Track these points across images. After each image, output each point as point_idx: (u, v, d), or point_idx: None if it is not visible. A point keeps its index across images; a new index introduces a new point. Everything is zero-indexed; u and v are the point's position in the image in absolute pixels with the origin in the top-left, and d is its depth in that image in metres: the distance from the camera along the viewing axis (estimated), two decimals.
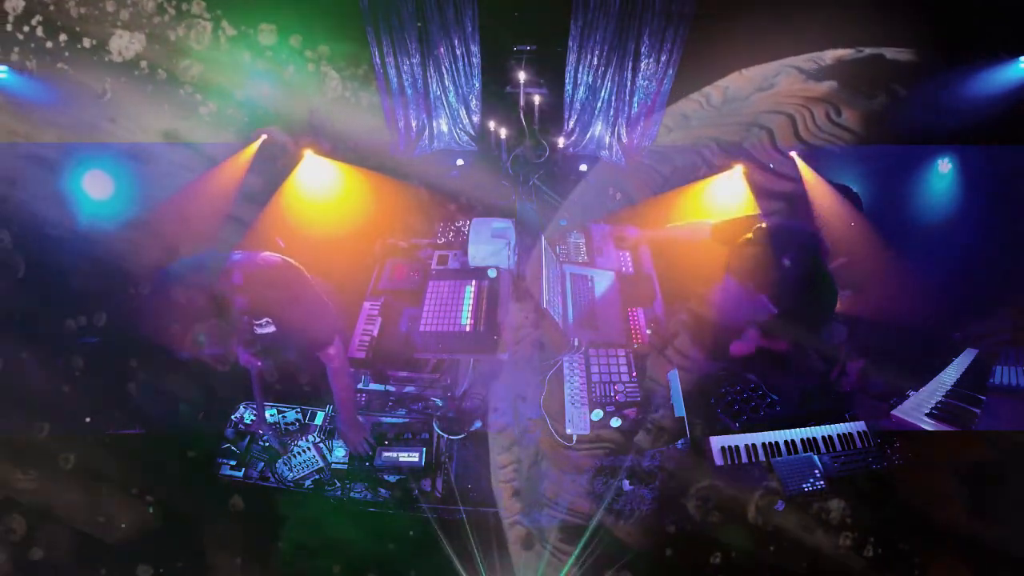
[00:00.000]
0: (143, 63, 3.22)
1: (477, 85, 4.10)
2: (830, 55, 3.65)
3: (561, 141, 4.31)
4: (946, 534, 2.42)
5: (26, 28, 3.01)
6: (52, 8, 3.00)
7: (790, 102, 3.86)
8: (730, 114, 3.97)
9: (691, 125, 4.07)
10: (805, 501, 2.49)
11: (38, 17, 3.00)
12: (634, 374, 2.69)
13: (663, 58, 3.82)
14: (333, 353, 2.53)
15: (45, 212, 3.45)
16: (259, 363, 2.53)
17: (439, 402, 2.75)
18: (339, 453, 2.60)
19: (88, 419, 2.84)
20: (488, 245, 3.03)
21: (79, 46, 3.09)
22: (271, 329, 2.39)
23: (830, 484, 2.54)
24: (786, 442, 2.68)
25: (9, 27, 2.98)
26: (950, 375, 3.01)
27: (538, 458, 2.59)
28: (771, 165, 4.02)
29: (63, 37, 3.07)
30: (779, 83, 3.78)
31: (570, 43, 3.82)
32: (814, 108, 3.83)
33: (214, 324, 2.28)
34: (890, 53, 3.54)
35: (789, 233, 2.77)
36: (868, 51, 3.58)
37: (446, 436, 2.60)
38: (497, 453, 2.61)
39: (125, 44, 3.07)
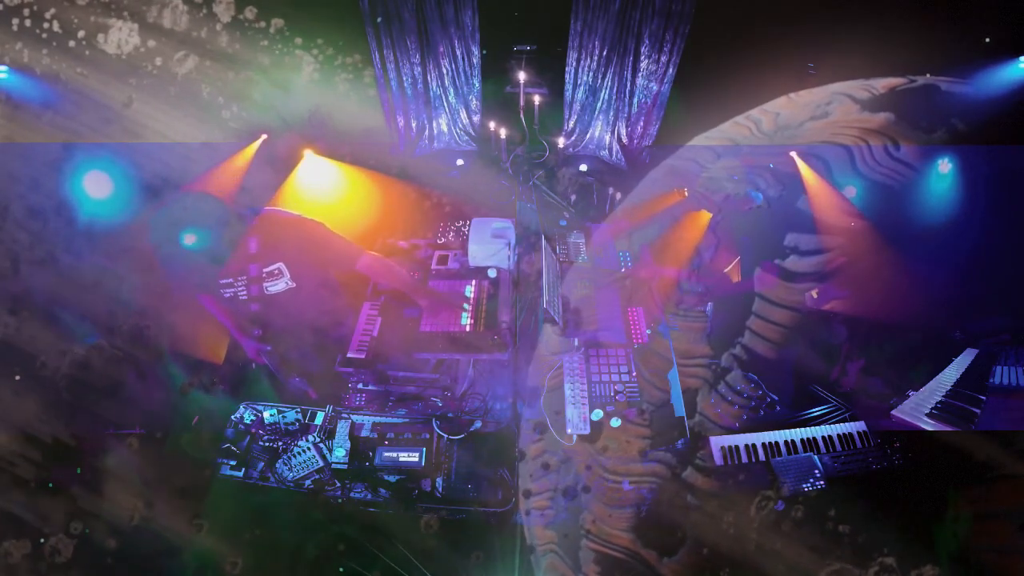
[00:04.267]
0: (158, 59, 3.24)
1: (477, 85, 4.10)
2: (882, 83, 3.51)
3: (561, 141, 4.31)
4: None
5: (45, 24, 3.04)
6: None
7: (846, 133, 3.66)
8: (783, 142, 3.82)
9: (741, 152, 3.90)
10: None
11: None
12: (634, 374, 2.69)
13: (663, 58, 3.82)
14: (367, 262, 2.64)
15: (50, 210, 3.44)
16: (267, 348, 2.68)
17: (439, 402, 2.75)
18: (339, 453, 2.59)
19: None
20: (488, 245, 3.03)
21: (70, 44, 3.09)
22: (281, 285, 2.50)
23: (830, 484, 2.54)
24: (786, 442, 2.68)
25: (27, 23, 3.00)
26: (950, 375, 3.01)
27: (577, 488, 2.58)
28: (771, 165, 4.01)
29: (81, 34, 3.09)
30: (833, 112, 3.62)
31: (570, 43, 3.82)
32: (871, 140, 3.61)
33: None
34: (945, 84, 3.42)
35: None
36: (922, 81, 3.43)
37: (446, 436, 2.60)
38: (531, 479, 2.58)
39: (124, 37, 3.05)
